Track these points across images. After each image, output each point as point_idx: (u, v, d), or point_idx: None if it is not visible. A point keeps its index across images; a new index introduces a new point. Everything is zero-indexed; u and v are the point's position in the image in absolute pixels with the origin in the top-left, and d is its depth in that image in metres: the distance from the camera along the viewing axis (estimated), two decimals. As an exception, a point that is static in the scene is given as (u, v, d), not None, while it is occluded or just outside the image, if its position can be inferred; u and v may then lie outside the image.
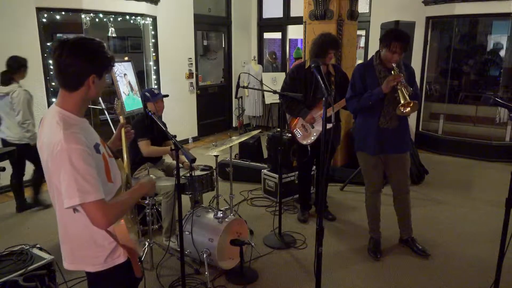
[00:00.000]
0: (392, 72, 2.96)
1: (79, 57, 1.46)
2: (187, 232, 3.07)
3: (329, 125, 2.72)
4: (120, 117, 1.96)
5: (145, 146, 3.40)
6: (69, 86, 1.51)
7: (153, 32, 6.51)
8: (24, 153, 4.15)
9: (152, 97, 3.47)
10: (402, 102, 2.88)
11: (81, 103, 1.55)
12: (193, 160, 2.15)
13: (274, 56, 8.55)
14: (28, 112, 4.09)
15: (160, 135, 3.53)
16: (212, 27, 8.30)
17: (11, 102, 4.03)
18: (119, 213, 1.52)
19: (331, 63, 3.87)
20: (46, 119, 1.53)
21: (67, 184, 1.40)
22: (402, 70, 3.03)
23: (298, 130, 3.85)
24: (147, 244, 3.22)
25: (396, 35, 2.97)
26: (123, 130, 1.90)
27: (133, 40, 7.80)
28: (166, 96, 3.71)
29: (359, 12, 5.52)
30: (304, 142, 3.84)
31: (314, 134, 3.76)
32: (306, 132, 3.81)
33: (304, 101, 3.71)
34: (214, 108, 8.22)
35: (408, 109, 2.92)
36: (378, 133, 3.13)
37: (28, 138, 4.11)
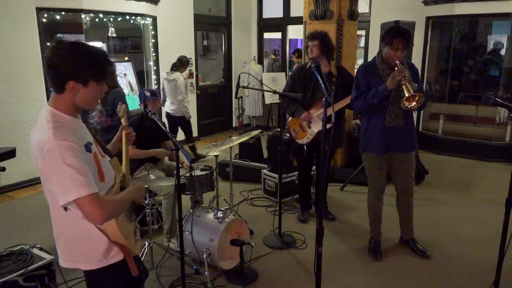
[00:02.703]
0: (396, 68, 2.93)
1: (60, 61, 1.45)
2: (187, 232, 3.07)
3: (328, 125, 2.73)
4: (123, 119, 1.97)
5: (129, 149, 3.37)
6: (53, 87, 1.52)
7: (153, 32, 6.51)
8: (180, 122, 5.95)
9: (151, 95, 3.48)
10: (406, 95, 2.83)
11: (71, 106, 1.53)
12: (193, 160, 2.15)
13: (277, 53, 8.54)
14: (185, 93, 5.78)
15: (160, 135, 3.53)
16: (212, 27, 8.30)
17: (175, 86, 5.69)
18: (115, 210, 1.51)
19: (335, 64, 3.87)
20: (39, 118, 1.54)
21: (61, 181, 1.39)
22: (406, 68, 2.99)
23: (295, 129, 3.86)
24: (147, 244, 3.22)
25: (398, 31, 2.96)
26: (124, 132, 1.90)
27: (133, 40, 7.80)
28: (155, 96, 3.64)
29: (359, 12, 5.52)
30: (300, 141, 3.84)
31: (310, 134, 3.76)
32: (303, 131, 3.81)
33: (303, 101, 3.71)
34: (214, 108, 8.22)
35: (414, 103, 2.87)
36: (384, 132, 3.11)
37: (185, 112, 5.84)
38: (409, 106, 2.89)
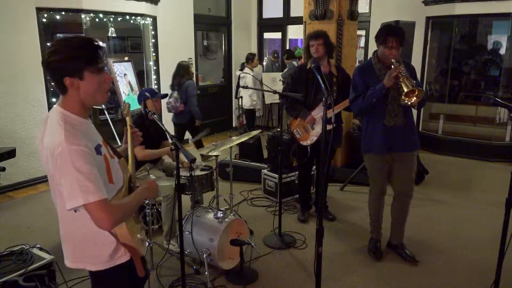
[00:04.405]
0: (392, 66, 2.91)
1: (51, 60, 1.44)
2: (187, 232, 3.07)
3: (329, 126, 2.73)
4: (127, 118, 1.94)
5: (138, 151, 3.35)
6: (57, 89, 1.52)
7: (153, 32, 6.51)
8: (251, 115, 7.45)
9: (152, 95, 3.48)
10: (405, 90, 2.79)
11: (80, 105, 1.52)
12: (193, 160, 2.14)
13: (276, 55, 8.56)
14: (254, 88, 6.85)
15: (159, 135, 3.53)
16: (212, 27, 8.30)
17: (245, 83, 6.82)
18: (124, 214, 1.51)
19: (334, 64, 3.87)
20: (49, 119, 1.53)
21: (70, 185, 1.39)
22: (402, 65, 2.95)
23: (298, 130, 3.85)
24: (147, 244, 3.22)
25: (390, 30, 2.95)
26: (129, 132, 1.88)
27: (133, 40, 7.80)
28: (166, 95, 3.71)
29: (359, 12, 5.52)
30: (304, 143, 3.84)
31: (314, 135, 3.76)
32: (306, 132, 3.81)
33: (305, 102, 3.71)
34: (214, 108, 8.21)
35: (414, 98, 2.83)
36: (384, 132, 3.08)
37: (253, 105, 7.28)
38: (409, 102, 2.85)
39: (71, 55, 1.45)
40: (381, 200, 3.34)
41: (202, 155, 5.99)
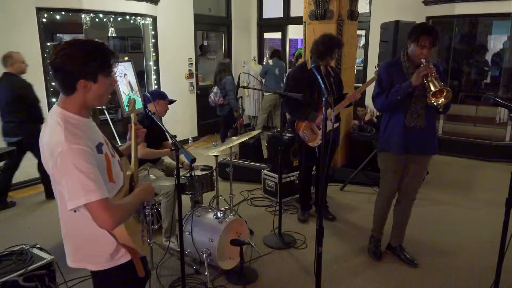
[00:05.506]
0: (421, 66, 2.83)
1: (66, 62, 1.43)
2: (187, 232, 3.07)
3: (333, 125, 2.74)
4: (132, 114, 1.90)
5: (139, 148, 3.36)
6: (63, 90, 1.50)
7: (153, 32, 6.51)
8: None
9: (155, 98, 3.50)
10: (433, 89, 2.72)
11: (82, 105, 1.52)
12: (193, 160, 2.14)
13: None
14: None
15: (159, 136, 3.53)
16: (212, 27, 8.30)
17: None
18: (125, 214, 1.50)
19: (330, 65, 3.88)
20: (49, 119, 1.52)
21: (71, 185, 1.38)
22: (431, 65, 2.86)
23: (305, 132, 3.77)
24: (147, 244, 3.22)
25: (425, 29, 2.88)
26: (133, 129, 1.86)
27: (133, 40, 7.81)
28: (174, 101, 3.76)
29: (359, 12, 5.52)
30: (312, 144, 3.78)
31: (322, 135, 3.73)
32: (314, 134, 3.74)
33: (309, 103, 3.68)
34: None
35: (442, 99, 2.76)
36: (404, 132, 2.99)
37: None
38: (435, 103, 2.77)
39: (88, 59, 1.45)
40: (389, 202, 3.27)
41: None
